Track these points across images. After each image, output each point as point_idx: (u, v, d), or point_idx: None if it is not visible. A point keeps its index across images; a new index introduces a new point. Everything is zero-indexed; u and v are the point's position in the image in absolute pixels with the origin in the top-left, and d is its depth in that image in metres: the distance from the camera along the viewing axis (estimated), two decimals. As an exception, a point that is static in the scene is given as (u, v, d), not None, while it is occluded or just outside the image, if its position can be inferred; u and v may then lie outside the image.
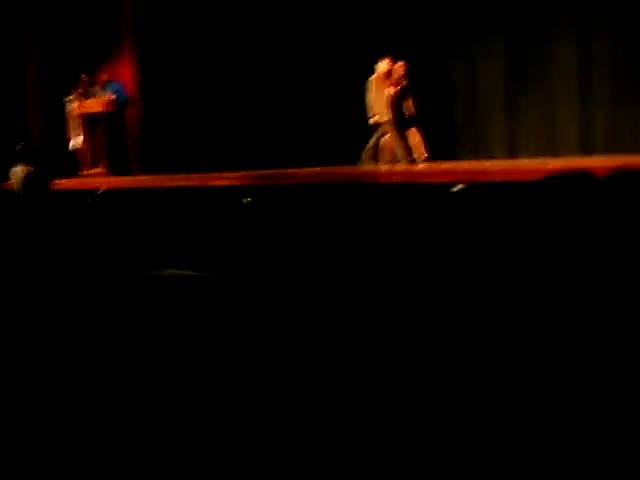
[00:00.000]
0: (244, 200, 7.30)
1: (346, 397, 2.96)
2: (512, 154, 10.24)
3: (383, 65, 10.07)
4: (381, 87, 9.99)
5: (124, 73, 11.37)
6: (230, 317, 4.95)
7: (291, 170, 8.88)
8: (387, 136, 10.00)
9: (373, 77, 10.15)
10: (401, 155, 9.81)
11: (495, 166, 7.49)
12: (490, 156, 10.29)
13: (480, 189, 5.95)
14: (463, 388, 2.97)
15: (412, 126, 9.96)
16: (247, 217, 7.29)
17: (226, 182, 7.96)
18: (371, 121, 10.03)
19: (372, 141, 10.05)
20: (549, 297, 4.67)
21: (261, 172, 8.54)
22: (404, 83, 10.17)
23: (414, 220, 6.19)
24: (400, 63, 10.18)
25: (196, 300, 5.75)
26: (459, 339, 3.72)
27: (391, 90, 9.97)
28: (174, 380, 3.36)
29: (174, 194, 8.33)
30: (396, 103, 9.95)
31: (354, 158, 10.30)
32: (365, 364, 3.41)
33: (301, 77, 11.50)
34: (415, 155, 9.78)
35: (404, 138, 9.85)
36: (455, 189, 6.09)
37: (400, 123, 9.93)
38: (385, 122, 9.93)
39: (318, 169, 8.59)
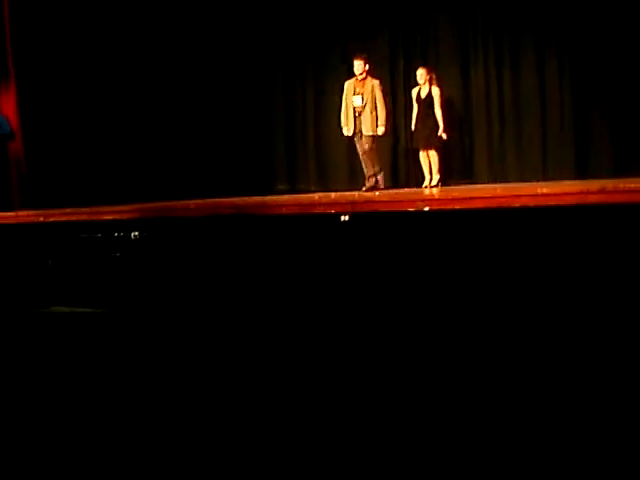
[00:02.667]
0: (132, 234, 7.22)
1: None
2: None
3: (359, 66, 8.99)
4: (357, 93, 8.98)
5: (5, 106, 11.08)
6: (120, 353, 4.87)
7: (179, 202, 8.83)
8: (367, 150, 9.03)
9: (352, 81, 9.14)
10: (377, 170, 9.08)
11: (378, 196, 7.67)
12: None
13: (366, 218, 6.07)
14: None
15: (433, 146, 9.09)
16: (136, 251, 7.21)
17: (115, 216, 7.84)
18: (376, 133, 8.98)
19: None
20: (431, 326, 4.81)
21: (149, 205, 8.46)
22: (439, 91, 9.19)
23: (306, 250, 6.26)
24: (423, 69, 9.33)
25: (84, 337, 5.63)
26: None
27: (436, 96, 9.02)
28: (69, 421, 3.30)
29: (61, 229, 8.15)
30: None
31: (243, 189, 10.33)
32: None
33: (188, 106, 11.50)
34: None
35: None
36: (344, 218, 6.19)
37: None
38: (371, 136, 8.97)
39: (206, 201, 8.57)
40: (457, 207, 5.84)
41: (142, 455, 2.82)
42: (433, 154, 9.15)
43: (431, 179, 9.16)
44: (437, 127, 9.08)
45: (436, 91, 9.13)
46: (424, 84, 9.17)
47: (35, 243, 8.08)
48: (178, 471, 2.65)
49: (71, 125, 11.14)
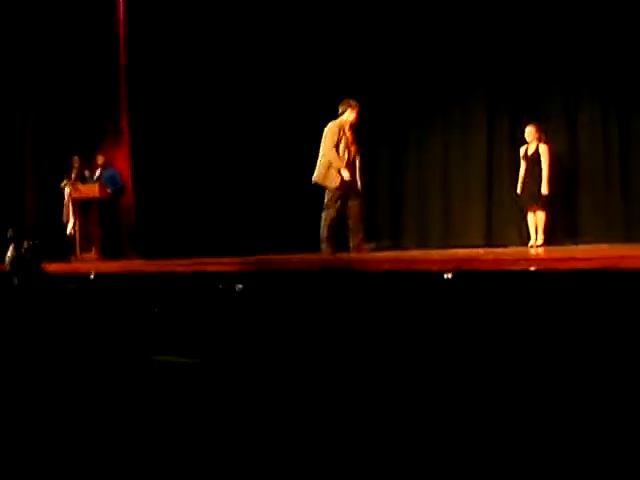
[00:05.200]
0: (236, 286, 7.35)
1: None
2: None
3: (350, 113, 8.48)
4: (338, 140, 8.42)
5: (119, 159, 11.56)
6: (212, 402, 4.94)
7: (282, 256, 8.95)
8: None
9: (336, 124, 8.51)
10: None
11: (483, 255, 7.59)
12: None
13: (470, 277, 6.03)
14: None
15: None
16: (239, 303, 7.32)
17: (220, 267, 8.02)
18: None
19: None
20: (537, 380, 4.71)
21: (253, 258, 8.61)
22: (547, 148, 8.98)
23: (408, 307, 6.25)
24: (532, 126, 9.13)
25: (183, 386, 5.74)
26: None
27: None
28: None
29: (167, 279, 8.37)
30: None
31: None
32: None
33: (293, 162, 11.69)
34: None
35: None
36: (447, 276, 6.16)
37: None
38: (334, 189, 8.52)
39: (306, 255, 8.66)
40: (563, 267, 5.74)
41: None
42: (540, 214, 8.93)
43: (536, 238, 8.98)
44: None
45: (544, 148, 8.93)
46: (532, 141, 9.01)
47: (142, 291, 8.31)
48: None
49: (179, 179, 11.52)
